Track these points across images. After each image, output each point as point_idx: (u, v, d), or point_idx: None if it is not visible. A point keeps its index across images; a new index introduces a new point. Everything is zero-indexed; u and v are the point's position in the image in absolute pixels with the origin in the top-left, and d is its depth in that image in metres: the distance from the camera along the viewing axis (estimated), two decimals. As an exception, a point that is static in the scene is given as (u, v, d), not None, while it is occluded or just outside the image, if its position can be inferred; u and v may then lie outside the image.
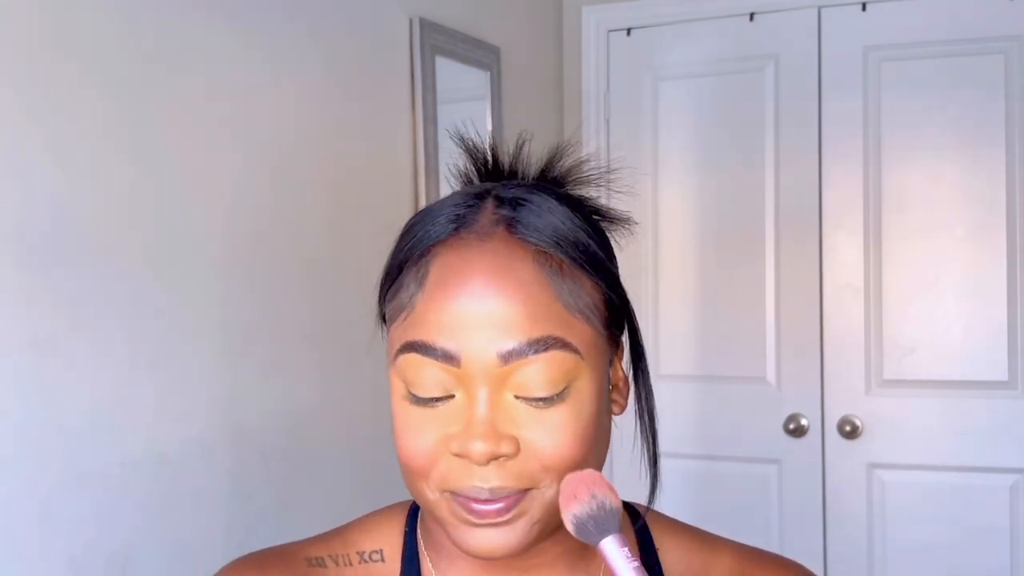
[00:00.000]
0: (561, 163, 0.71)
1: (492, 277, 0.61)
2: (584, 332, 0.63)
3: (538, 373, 0.61)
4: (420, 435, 0.63)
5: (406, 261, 0.65)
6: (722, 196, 2.67)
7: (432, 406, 0.63)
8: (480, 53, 2.30)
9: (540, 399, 0.61)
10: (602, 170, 0.71)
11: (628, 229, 0.71)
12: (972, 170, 2.46)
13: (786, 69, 2.59)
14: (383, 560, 0.74)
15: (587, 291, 0.64)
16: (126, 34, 1.35)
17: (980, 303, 2.46)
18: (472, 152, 0.70)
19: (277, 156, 1.66)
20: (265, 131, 1.63)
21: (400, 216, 2.27)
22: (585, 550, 0.71)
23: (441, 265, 0.63)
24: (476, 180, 0.71)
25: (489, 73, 2.35)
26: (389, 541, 0.74)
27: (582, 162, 0.71)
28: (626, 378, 0.71)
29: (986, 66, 2.44)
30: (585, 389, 0.63)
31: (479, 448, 0.60)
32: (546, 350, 0.61)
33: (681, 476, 2.63)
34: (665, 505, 0.77)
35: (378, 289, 0.70)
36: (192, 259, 1.47)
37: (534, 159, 0.71)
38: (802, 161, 2.58)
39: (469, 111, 2.34)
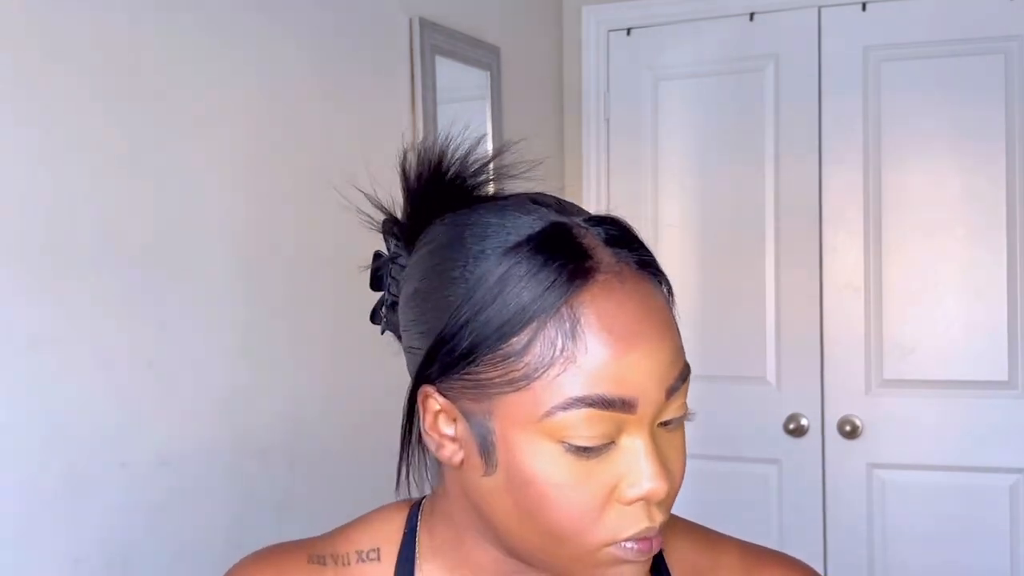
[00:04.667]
0: (497, 160, 0.72)
1: (646, 317, 0.63)
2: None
3: (678, 399, 0.65)
4: (583, 489, 0.61)
5: (532, 316, 0.60)
6: (722, 196, 2.67)
7: (593, 456, 0.61)
8: (480, 53, 2.30)
9: (675, 421, 0.65)
10: (528, 162, 0.72)
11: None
12: (972, 170, 2.46)
13: (786, 69, 2.59)
14: (379, 559, 0.74)
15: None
16: (126, 35, 1.35)
17: (980, 303, 2.46)
18: (427, 154, 0.70)
19: (277, 156, 1.66)
20: (264, 131, 1.63)
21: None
22: None
23: (595, 313, 0.60)
24: (412, 182, 0.72)
25: (489, 73, 2.35)
26: (388, 540, 0.74)
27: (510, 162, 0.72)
28: None
29: (986, 66, 2.44)
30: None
31: (661, 487, 0.62)
32: (686, 379, 0.65)
33: (681, 476, 2.63)
34: (665, 505, 0.78)
35: (435, 349, 0.64)
36: (192, 260, 1.47)
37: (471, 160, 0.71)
38: (802, 161, 2.58)
39: (469, 111, 2.33)
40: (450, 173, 0.70)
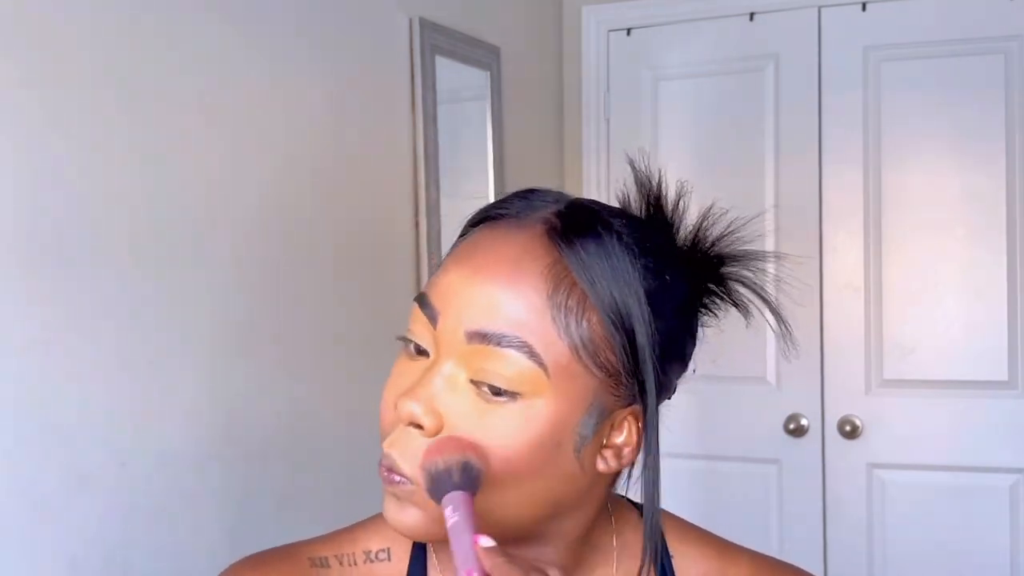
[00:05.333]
0: (722, 242, 0.71)
1: (499, 262, 0.62)
2: (562, 356, 0.61)
3: (497, 364, 0.61)
4: (392, 384, 0.65)
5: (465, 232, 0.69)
6: (722, 196, 2.66)
7: (412, 357, 0.65)
8: (480, 53, 2.30)
9: (489, 387, 0.61)
10: (757, 254, 0.72)
11: (746, 317, 0.71)
12: (972, 170, 2.46)
13: (786, 69, 2.59)
14: (389, 559, 0.72)
15: (591, 327, 0.62)
16: (126, 34, 1.35)
17: (980, 303, 2.46)
18: (642, 186, 0.70)
19: (276, 157, 1.65)
20: (264, 131, 1.63)
21: (400, 216, 2.25)
22: (598, 560, 0.72)
23: (475, 237, 0.66)
24: (640, 211, 0.71)
25: (489, 73, 2.35)
26: (398, 538, 0.72)
27: (751, 254, 0.73)
28: (637, 447, 0.66)
29: (986, 66, 2.44)
30: (541, 412, 0.61)
31: (404, 405, 0.61)
32: (510, 347, 0.60)
33: (681, 476, 2.63)
34: (665, 505, 0.77)
35: None
36: (191, 259, 1.47)
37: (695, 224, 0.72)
38: (802, 161, 2.58)
39: (469, 111, 2.33)
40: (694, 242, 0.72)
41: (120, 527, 1.33)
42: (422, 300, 0.64)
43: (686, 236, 0.70)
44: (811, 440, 2.58)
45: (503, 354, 0.60)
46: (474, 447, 0.60)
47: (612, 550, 0.72)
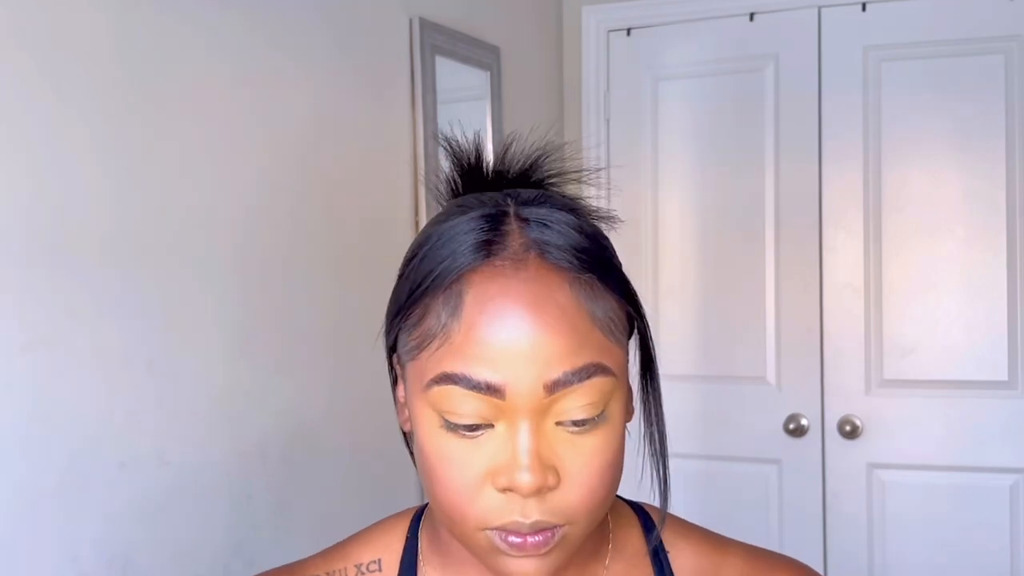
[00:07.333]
0: (544, 167, 0.70)
1: (534, 307, 0.60)
2: (617, 353, 0.63)
3: (580, 399, 0.60)
4: (460, 469, 0.61)
5: (428, 289, 0.62)
6: (722, 196, 2.67)
7: (470, 436, 0.61)
8: (480, 53, 2.30)
9: (580, 422, 0.61)
10: (584, 170, 0.71)
11: (611, 226, 0.69)
12: (972, 170, 2.46)
13: (786, 69, 2.59)
14: (380, 570, 0.74)
15: (614, 309, 0.64)
16: (125, 35, 1.35)
17: (980, 303, 2.46)
18: (456, 156, 0.69)
19: (277, 156, 1.66)
20: (264, 131, 1.63)
21: (401, 216, 2.25)
22: (591, 557, 0.72)
23: (477, 294, 0.61)
24: (459, 185, 0.69)
25: (489, 73, 2.35)
26: (389, 549, 0.74)
27: (566, 167, 0.70)
28: (629, 385, 0.69)
29: (986, 66, 2.44)
30: (617, 410, 0.63)
31: (527, 480, 0.59)
32: (589, 378, 0.60)
33: (681, 476, 2.62)
34: (666, 505, 0.77)
35: (387, 317, 0.67)
36: (192, 259, 1.47)
37: (518, 160, 0.70)
38: (802, 161, 2.58)
39: (469, 111, 2.33)
40: (489, 169, 0.70)
41: (120, 528, 1.33)
42: (468, 382, 0.60)
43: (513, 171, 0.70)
44: (811, 440, 2.58)
45: (585, 386, 0.60)
46: None
47: (607, 546, 0.73)
